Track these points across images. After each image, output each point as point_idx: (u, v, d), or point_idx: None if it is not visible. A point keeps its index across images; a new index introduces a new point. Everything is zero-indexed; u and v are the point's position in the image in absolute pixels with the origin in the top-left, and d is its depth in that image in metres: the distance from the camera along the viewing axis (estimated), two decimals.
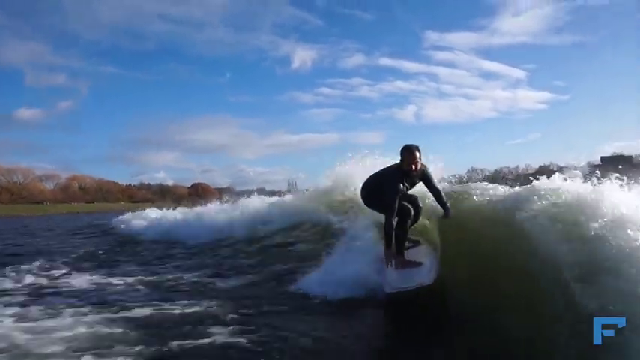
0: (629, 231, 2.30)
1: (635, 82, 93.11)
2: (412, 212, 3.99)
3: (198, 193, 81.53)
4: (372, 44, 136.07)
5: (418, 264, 3.67)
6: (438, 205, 4.14)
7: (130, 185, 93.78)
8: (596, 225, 2.46)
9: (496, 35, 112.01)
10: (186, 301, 4.13)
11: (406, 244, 4.04)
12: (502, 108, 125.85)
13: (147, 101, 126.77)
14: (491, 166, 71.81)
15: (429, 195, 4.20)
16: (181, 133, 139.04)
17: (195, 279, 5.47)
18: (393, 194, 3.73)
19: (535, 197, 3.11)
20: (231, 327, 3.29)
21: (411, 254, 3.98)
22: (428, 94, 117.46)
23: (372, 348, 3.11)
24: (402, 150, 3.84)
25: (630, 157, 59.66)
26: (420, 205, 4.25)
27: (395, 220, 3.77)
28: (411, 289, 3.12)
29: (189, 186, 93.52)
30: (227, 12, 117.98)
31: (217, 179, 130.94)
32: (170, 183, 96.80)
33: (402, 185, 3.78)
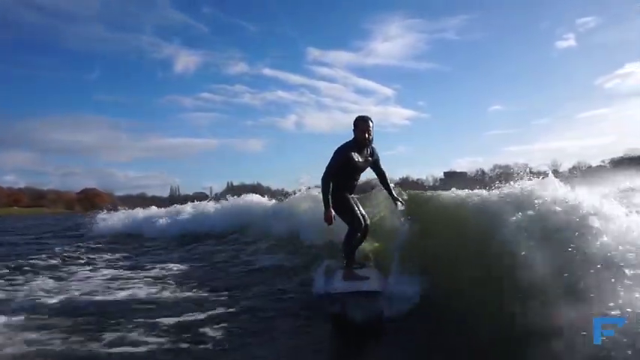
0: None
1: (478, 110, 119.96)
2: (363, 225, 3.74)
3: (89, 199, 78.99)
4: (256, 54, 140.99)
5: (364, 278, 3.50)
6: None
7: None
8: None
9: (370, 56, 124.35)
10: None
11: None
12: (375, 122, 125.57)
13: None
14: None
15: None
16: (38, 132, 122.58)
17: None
18: (336, 154, 3.64)
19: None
20: None
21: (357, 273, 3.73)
22: (309, 106, 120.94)
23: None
24: (355, 120, 3.70)
25: (465, 172, 74.89)
26: (368, 223, 3.97)
27: (331, 188, 3.61)
28: (354, 291, 3.24)
29: (79, 191, 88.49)
30: (105, 8, 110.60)
31: (80, 182, 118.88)
32: (22, 186, 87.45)
33: (354, 154, 3.64)
